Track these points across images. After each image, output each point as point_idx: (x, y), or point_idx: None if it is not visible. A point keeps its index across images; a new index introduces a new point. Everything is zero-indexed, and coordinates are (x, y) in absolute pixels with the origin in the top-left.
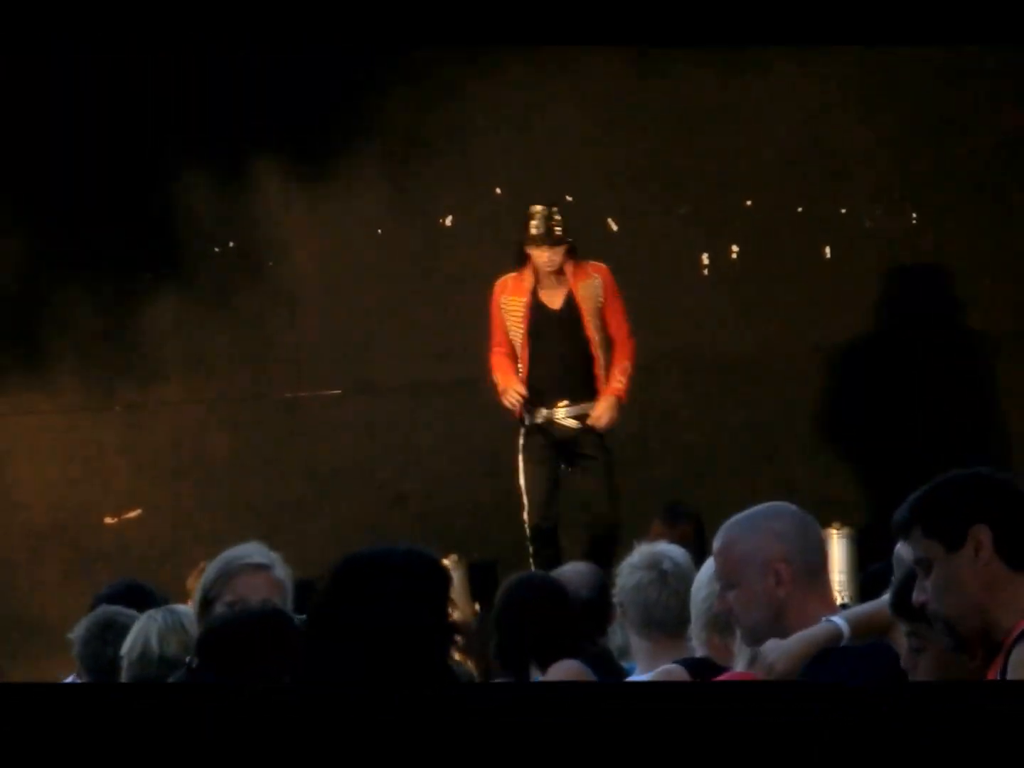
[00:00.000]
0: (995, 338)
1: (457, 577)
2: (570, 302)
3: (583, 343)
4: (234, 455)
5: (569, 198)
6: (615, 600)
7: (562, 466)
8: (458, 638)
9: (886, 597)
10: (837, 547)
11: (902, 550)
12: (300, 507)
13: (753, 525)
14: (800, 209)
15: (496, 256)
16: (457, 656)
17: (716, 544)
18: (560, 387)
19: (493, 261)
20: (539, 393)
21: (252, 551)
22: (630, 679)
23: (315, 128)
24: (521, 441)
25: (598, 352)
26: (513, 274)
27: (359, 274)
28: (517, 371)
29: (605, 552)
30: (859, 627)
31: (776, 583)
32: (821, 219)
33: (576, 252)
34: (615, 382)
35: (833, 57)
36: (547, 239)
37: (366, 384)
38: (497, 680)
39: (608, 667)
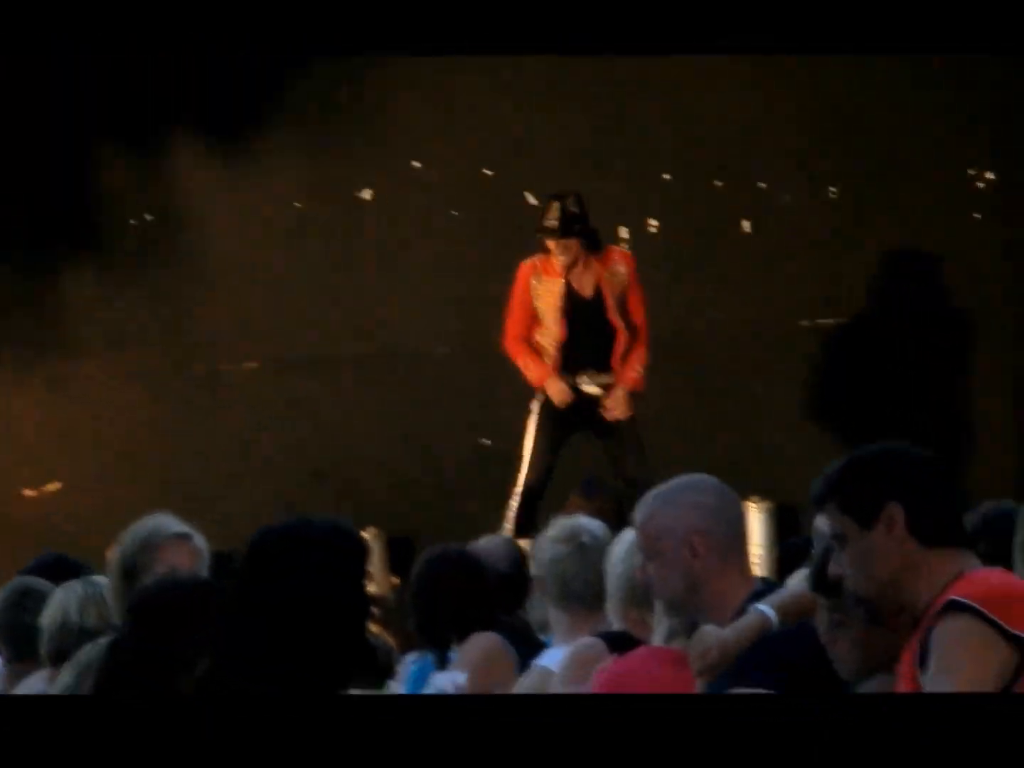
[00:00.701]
0: (915, 313)
1: (376, 550)
2: (599, 289)
3: (610, 329)
4: (154, 429)
5: (488, 172)
6: (533, 573)
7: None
8: (375, 611)
9: (798, 584)
10: (756, 521)
11: (821, 524)
12: (219, 481)
13: (672, 498)
14: (719, 183)
15: (414, 229)
16: (375, 629)
17: (636, 516)
18: (586, 362)
19: (410, 235)
20: (566, 367)
21: (170, 522)
22: (547, 652)
23: (232, 100)
24: (537, 406)
25: (622, 338)
26: (541, 256)
27: (277, 247)
28: (539, 354)
29: None
30: (786, 613)
31: (692, 555)
32: (740, 193)
33: (598, 242)
34: (631, 371)
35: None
36: (557, 233)
37: (285, 358)
38: (415, 653)
39: (526, 640)
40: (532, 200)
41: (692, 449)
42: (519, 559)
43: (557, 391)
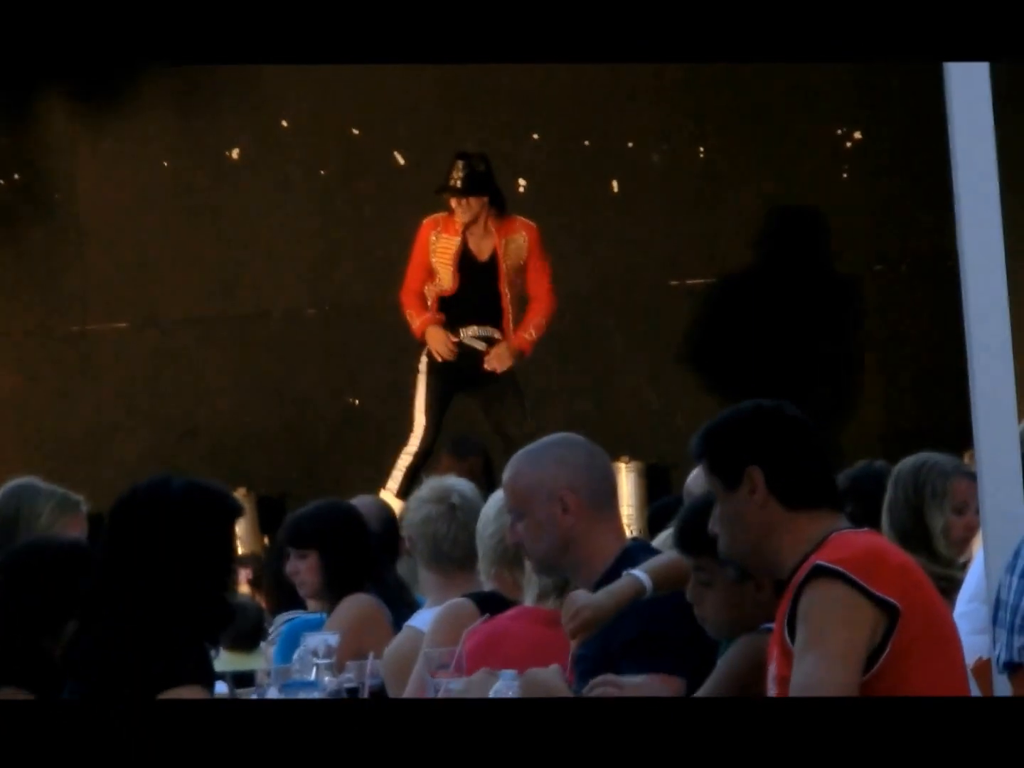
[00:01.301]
0: (786, 273)
1: (247, 510)
2: (494, 255)
3: (497, 295)
4: (22, 390)
5: (355, 131)
6: (404, 534)
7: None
8: (247, 571)
9: (670, 553)
10: (626, 481)
11: (692, 483)
12: (90, 442)
13: (540, 456)
14: (587, 143)
15: (282, 189)
16: (246, 589)
17: (505, 476)
18: (470, 319)
19: (281, 193)
20: (450, 321)
21: (56, 489)
22: (419, 613)
23: (99, 58)
24: (424, 364)
25: (508, 307)
26: (444, 214)
27: (146, 207)
28: (427, 307)
29: None
30: (660, 580)
31: (563, 511)
32: (608, 153)
33: (503, 205)
34: (525, 333)
35: None
36: (459, 191)
37: (153, 318)
38: (287, 614)
39: (401, 600)
40: (400, 160)
41: (560, 408)
42: (391, 519)
43: (436, 340)
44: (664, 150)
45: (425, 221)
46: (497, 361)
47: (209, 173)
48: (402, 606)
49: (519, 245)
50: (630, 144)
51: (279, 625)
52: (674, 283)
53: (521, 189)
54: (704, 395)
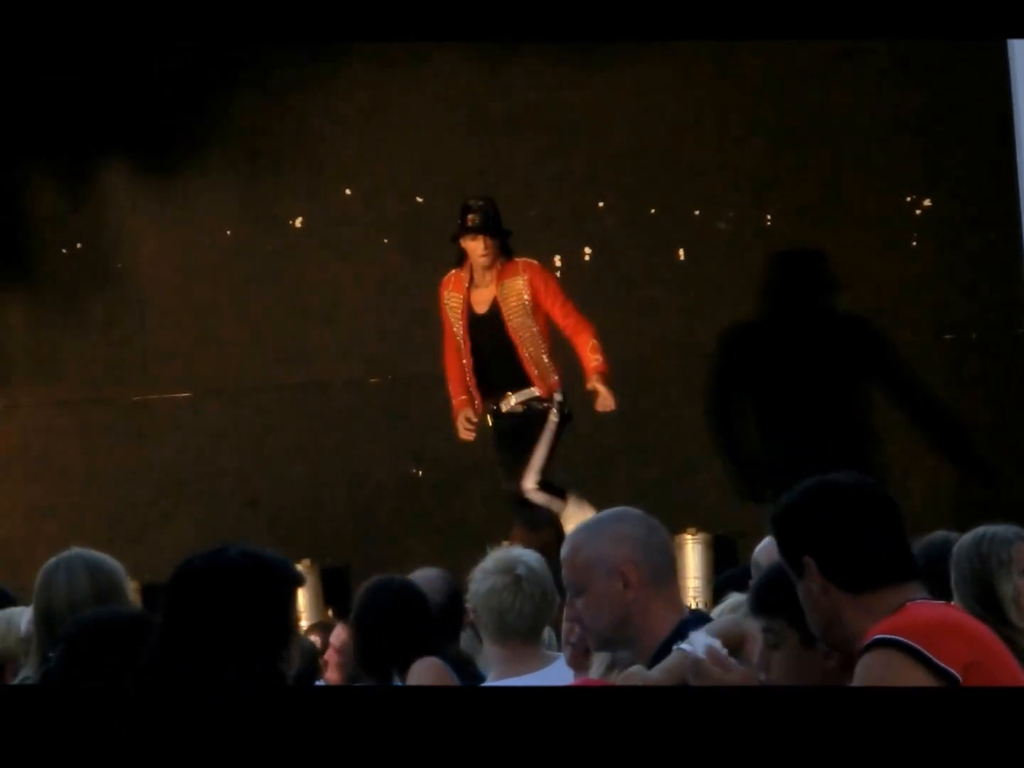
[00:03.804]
0: (849, 341)
1: (310, 582)
2: (495, 306)
3: (510, 344)
4: (84, 458)
5: (419, 199)
6: (468, 606)
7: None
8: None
9: (730, 616)
10: (692, 552)
11: (759, 555)
12: (151, 511)
13: (598, 530)
14: (653, 211)
15: (346, 256)
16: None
17: (563, 552)
18: (502, 381)
19: (343, 262)
20: (486, 390)
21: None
22: (486, 684)
23: (161, 129)
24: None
25: (523, 349)
26: (455, 270)
27: (209, 276)
28: (463, 369)
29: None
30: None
31: (624, 586)
32: (674, 221)
33: (510, 250)
34: (592, 361)
35: (686, 57)
36: (482, 229)
37: (216, 387)
38: (358, 684)
39: (464, 673)
40: None
41: (624, 477)
42: (454, 591)
43: (459, 426)
44: (730, 218)
45: (444, 279)
46: (605, 402)
47: (271, 241)
48: (464, 679)
49: (517, 287)
50: (696, 212)
51: None
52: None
53: (587, 257)
54: (773, 466)
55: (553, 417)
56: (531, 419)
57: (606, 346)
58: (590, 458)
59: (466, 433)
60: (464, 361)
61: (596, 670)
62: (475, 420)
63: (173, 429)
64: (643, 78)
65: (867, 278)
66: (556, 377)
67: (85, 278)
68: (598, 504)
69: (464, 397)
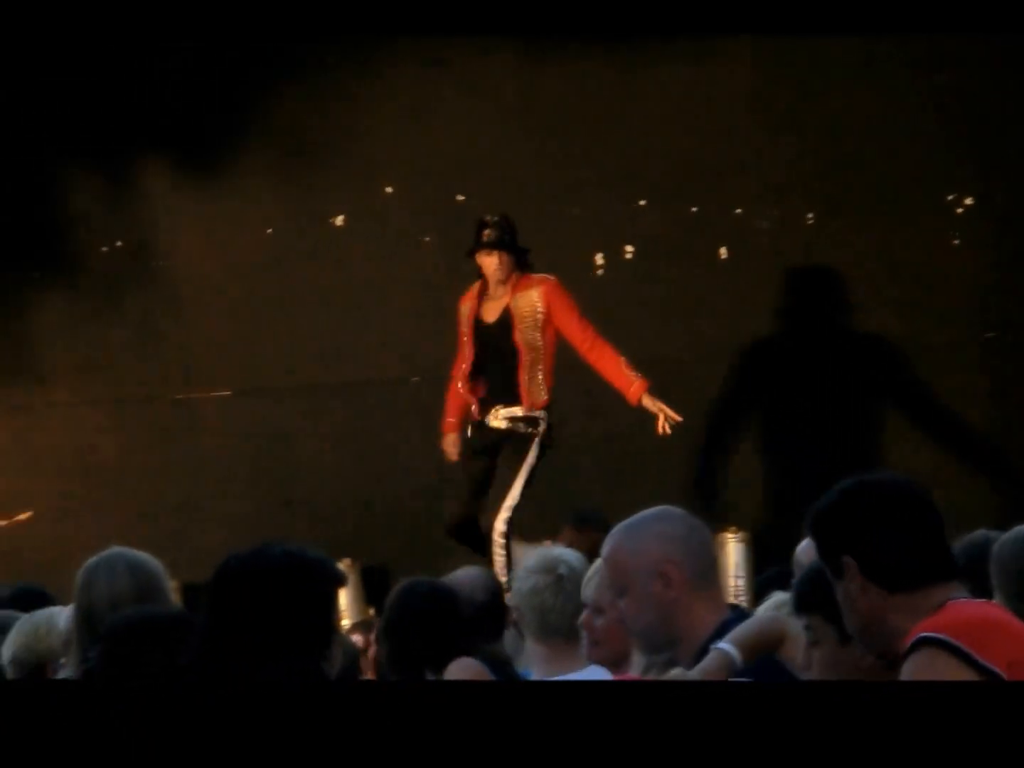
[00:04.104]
0: (891, 340)
1: (351, 581)
2: (505, 315)
3: (514, 353)
4: (124, 457)
5: (460, 197)
6: (510, 604)
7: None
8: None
9: (768, 614)
10: (733, 552)
11: (800, 554)
12: (191, 509)
13: (639, 530)
14: (694, 209)
15: (387, 255)
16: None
17: (603, 552)
18: (496, 392)
19: (384, 260)
20: (478, 399)
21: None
22: None
23: (202, 125)
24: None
25: (524, 358)
26: (478, 283)
27: (249, 274)
28: (458, 401)
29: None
30: (748, 650)
31: (665, 586)
32: (716, 220)
33: (528, 266)
34: (634, 380)
35: (727, 54)
36: (496, 244)
37: (256, 385)
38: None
39: (504, 671)
40: None
41: (665, 477)
42: (497, 589)
43: (444, 450)
44: (772, 217)
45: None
46: (669, 415)
47: (312, 240)
48: (502, 679)
49: (532, 299)
50: (738, 211)
51: None
52: (788, 350)
53: (628, 256)
54: (812, 463)
55: (533, 451)
56: (512, 440)
57: (647, 345)
58: (630, 456)
59: (452, 456)
60: (463, 366)
61: (635, 669)
62: (458, 447)
63: (213, 427)
64: (685, 76)
65: (908, 276)
66: (545, 396)
67: (124, 276)
68: (640, 506)
69: (453, 420)
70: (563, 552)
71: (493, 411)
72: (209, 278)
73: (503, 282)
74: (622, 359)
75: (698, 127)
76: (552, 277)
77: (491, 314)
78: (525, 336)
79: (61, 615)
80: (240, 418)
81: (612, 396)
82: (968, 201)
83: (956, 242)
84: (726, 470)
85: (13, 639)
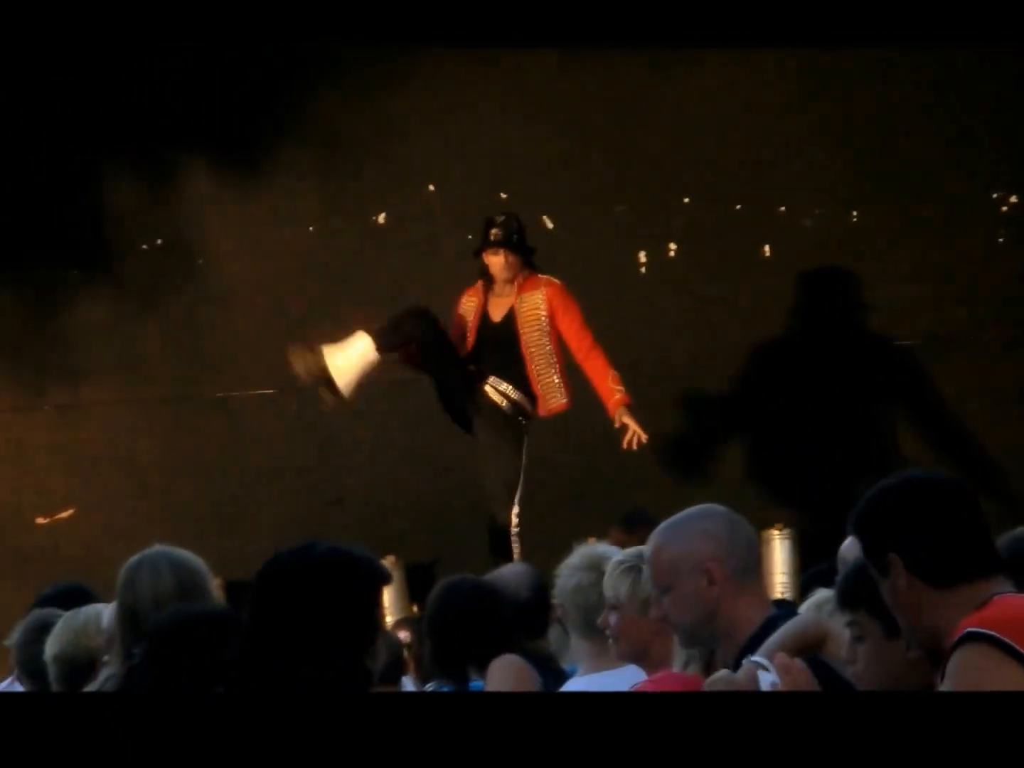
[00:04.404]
0: (939, 339)
1: (395, 578)
2: (510, 315)
3: (517, 355)
4: (166, 455)
5: (503, 195)
6: (555, 602)
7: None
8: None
9: (808, 615)
10: (778, 549)
11: (845, 551)
12: (234, 507)
13: (682, 528)
14: (739, 207)
15: (429, 253)
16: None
17: (647, 550)
18: (492, 373)
19: (426, 258)
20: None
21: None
22: (571, 682)
23: (243, 124)
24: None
25: (532, 365)
26: (480, 281)
27: (291, 272)
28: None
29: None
30: (790, 652)
31: (708, 583)
32: (759, 218)
33: (534, 266)
34: (616, 394)
35: (771, 54)
36: (503, 243)
37: (298, 384)
38: (432, 683)
39: (547, 669)
40: (550, 224)
41: (710, 475)
42: (541, 586)
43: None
44: (816, 215)
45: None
46: (639, 436)
47: (354, 237)
48: (546, 675)
49: (535, 301)
50: (781, 209)
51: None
52: (827, 348)
53: (672, 253)
54: (859, 460)
55: (524, 439)
56: (507, 420)
57: (691, 342)
58: (674, 454)
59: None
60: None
61: (677, 664)
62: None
63: (256, 425)
64: (728, 74)
65: (953, 275)
66: (565, 400)
67: (166, 274)
68: (685, 503)
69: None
70: (607, 549)
71: (490, 381)
72: (251, 276)
73: (509, 281)
74: (612, 372)
75: (742, 125)
76: (557, 280)
77: (497, 313)
78: (530, 338)
79: (106, 612)
80: (283, 416)
81: (666, 394)
82: (1013, 199)
83: (1001, 240)
84: (773, 466)
85: (59, 635)
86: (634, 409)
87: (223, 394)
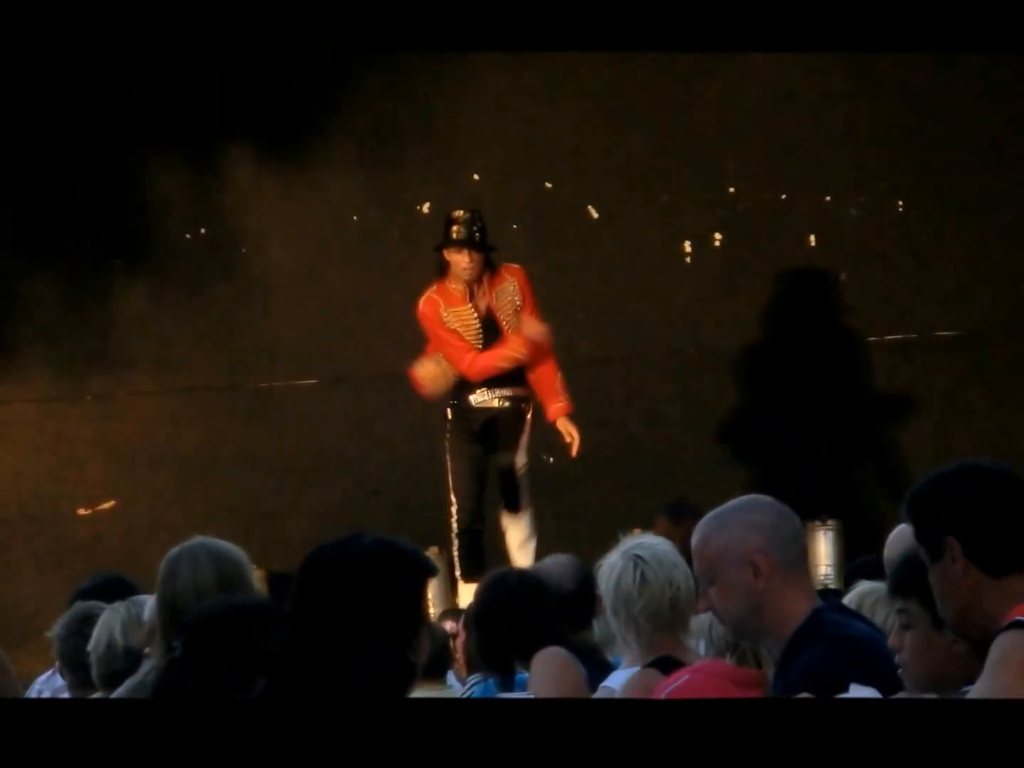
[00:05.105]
0: (984, 330)
1: (440, 569)
2: (489, 312)
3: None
4: (208, 446)
5: (548, 184)
6: (599, 593)
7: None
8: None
9: None
10: (823, 541)
11: (892, 543)
12: (275, 499)
13: (728, 519)
14: (784, 196)
15: None
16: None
17: (693, 542)
18: (494, 382)
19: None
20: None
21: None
22: (616, 673)
23: (287, 114)
24: (447, 436)
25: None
26: (436, 287)
27: (334, 262)
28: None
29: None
30: None
31: (755, 574)
32: (805, 207)
33: (493, 263)
34: (560, 400)
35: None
36: (468, 243)
37: (342, 374)
38: (478, 675)
39: (592, 660)
40: (594, 214)
41: (759, 467)
42: (586, 577)
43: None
44: (861, 204)
45: (425, 301)
46: (577, 446)
47: (398, 227)
48: (591, 667)
49: (509, 292)
50: (827, 198)
51: (470, 684)
52: (872, 339)
53: (717, 243)
54: (906, 454)
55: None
56: (510, 416)
57: (737, 331)
58: (721, 442)
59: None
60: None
61: (703, 650)
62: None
63: (298, 416)
64: (773, 65)
65: (999, 266)
66: (562, 403)
67: (209, 264)
68: (730, 495)
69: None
70: (652, 540)
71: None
72: (295, 266)
73: (473, 280)
74: (559, 376)
75: (788, 115)
76: (517, 266)
77: (480, 314)
78: (510, 325)
79: (147, 604)
80: (326, 407)
81: (712, 384)
82: None
83: None
84: (819, 458)
85: (109, 624)
86: (574, 417)
87: (265, 385)
